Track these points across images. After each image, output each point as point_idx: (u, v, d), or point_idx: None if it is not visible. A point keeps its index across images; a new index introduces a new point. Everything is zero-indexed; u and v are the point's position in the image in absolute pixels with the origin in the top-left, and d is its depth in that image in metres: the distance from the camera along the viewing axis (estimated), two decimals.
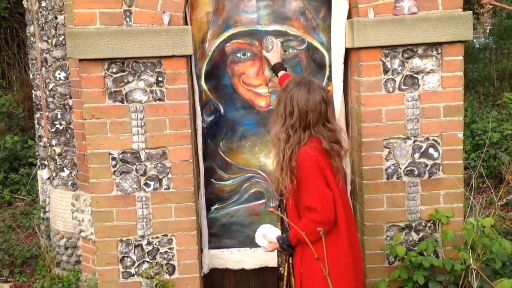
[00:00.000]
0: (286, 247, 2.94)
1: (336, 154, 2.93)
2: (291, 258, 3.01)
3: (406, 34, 3.58)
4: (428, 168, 3.74)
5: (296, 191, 2.84)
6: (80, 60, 3.56)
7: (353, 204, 3.97)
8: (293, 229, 2.88)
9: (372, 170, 3.74)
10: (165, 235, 3.73)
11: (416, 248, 3.72)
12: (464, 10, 3.65)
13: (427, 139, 3.72)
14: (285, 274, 3.05)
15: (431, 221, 3.78)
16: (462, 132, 3.74)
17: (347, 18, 3.77)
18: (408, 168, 3.74)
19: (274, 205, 3.17)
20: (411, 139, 3.72)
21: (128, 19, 3.55)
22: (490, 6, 17.92)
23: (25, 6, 5.26)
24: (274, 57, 3.82)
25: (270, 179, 3.07)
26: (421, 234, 3.80)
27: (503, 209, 5.86)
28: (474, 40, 16.61)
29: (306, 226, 2.81)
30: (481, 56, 13.03)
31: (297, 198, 2.88)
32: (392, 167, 3.74)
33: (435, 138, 3.72)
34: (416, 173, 3.75)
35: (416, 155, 3.74)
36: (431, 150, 3.73)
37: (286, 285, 3.06)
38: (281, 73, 3.73)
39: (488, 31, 20.63)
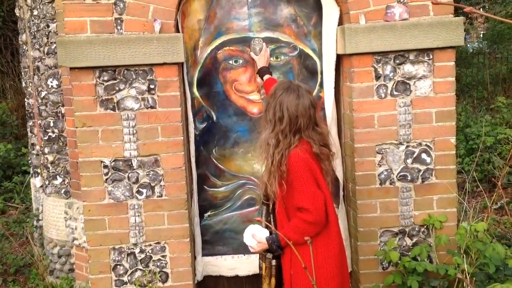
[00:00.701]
0: (276, 248, 2.94)
1: (326, 158, 2.96)
2: (275, 260, 3.00)
3: (398, 40, 3.59)
4: (421, 173, 3.75)
5: (286, 193, 2.85)
6: (71, 68, 3.55)
7: (346, 210, 3.97)
8: (284, 229, 2.88)
9: (365, 176, 3.74)
10: (158, 243, 3.72)
11: (409, 253, 3.71)
12: (455, 15, 3.66)
13: (420, 144, 3.73)
14: (263, 274, 3.05)
15: (425, 226, 3.78)
16: (455, 137, 3.75)
17: (339, 25, 3.78)
18: (401, 174, 3.75)
19: (259, 207, 3.16)
20: (403, 144, 3.72)
21: (119, 27, 3.55)
22: (483, 11, 18.00)
23: (17, 14, 5.25)
24: (261, 61, 3.83)
25: (258, 183, 3.06)
26: (414, 239, 3.79)
27: (497, 213, 5.87)
28: (468, 45, 16.67)
29: (298, 226, 2.81)
30: (475, 60, 13.06)
31: (287, 200, 2.89)
32: (385, 173, 3.74)
33: (428, 144, 3.72)
34: (409, 178, 3.75)
35: (409, 161, 3.74)
36: (423, 156, 3.73)
37: (268, 286, 3.06)
38: (266, 76, 3.75)
39: (481, 35, 20.72)
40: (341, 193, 3.94)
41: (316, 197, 2.80)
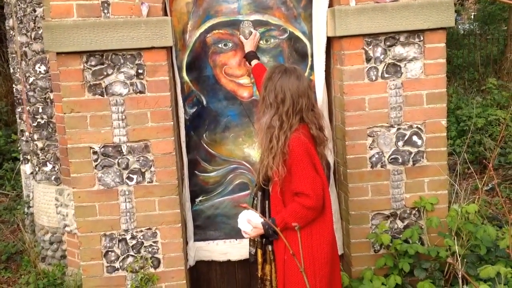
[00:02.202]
0: (272, 233, 2.93)
1: (321, 142, 2.97)
2: (270, 245, 3.00)
3: (388, 21, 3.56)
4: (412, 155, 3.74)
5: (284, 177, 2.83)
6: (58, 53, 3.50)
7: (337, 193, 3.97)
8: (281, 213, 2.87)
9: (356, 159, 3.73)
10: (149, 229, 3.70)
11: (401, 235, 3.73)
12: None
13: (411, 126, 3.71)
14: (260, 261, 3.05)
15: (416, 209, 3.78)
16: (446, 119, 3.74)
17: (329, 7, 3.74)
18: (392, 156, 3.74)
19: (254, 192, 3.15)
20: (394, 127, 3.71)
21: (106, 11, 3.49)
22: None
23: None
24: (249, 45, 3.80)
25: (257, 168, 3.05)
26: (406, 222, 3.80)
27: (489, 194, 5.90)
28: (459, 26, 16.64)
29: (296, 211, 2.81)
30: (466, 42, 13.06)
31: (283, 184, 2.87)
32: (376, 156, 3.73)
33: (419, 126, 3.71)
34: (400, 161, 3.74)
35: (400, 143, 3.73)
36: (414, 138, 3.73)
37: (261, 272, 3.06)
38: (254, 62, 3.73)
39: (472, 17, 20.69)
40: (332, 176, 3.93)
41: (315, 182, 2.80)
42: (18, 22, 4.71)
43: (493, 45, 12.43)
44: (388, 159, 3.74)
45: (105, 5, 3.48)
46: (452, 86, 10.10)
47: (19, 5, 4.66)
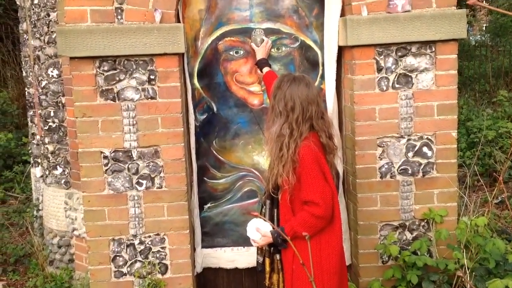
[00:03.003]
0: (281, 242, 2.93)
1: (331, 151, 2.97)
2: (278, 254, 2.99)
3: (400, 32, 3.56)
4: (421, 167, 3.73)
5: (293, 186, 2.83)
6: (71, 58, 3.53)
7: (346, 203, 3.96)
8: (290, 222, 2.87)
9: (366, 169, 3.73)
10: (158, 234, 3.71)
11: (409, 247, 3.71)
12: (458, 8, 3.63)
13: (421, 137, 3.70)
14: (268, 270, 3.04)
15: (425, 220, 3.77)
16: (456, 131, 3.73)
17: (340, 16, 3.75)
18: (402, 167, 3.73)
19: (262, 200, 3.15)
20: (404, 137, 3.70)
21: (119, 17, 3.52)
22: (486, 3, 17.91)
23: (18, 3, 5.22)
24: (260, 52, 3.82)
25: (266, 176, 3.05)
26: (414, 233, 3.78)
27: (498, 208, 5.86)
28: (470, 37, 16.60)
29: (305, 220, 2.80)
30: (477, 53, 13.00)
31: (293, 192, 2.87)
32: (386, 166, 3.73)
33: (429, 137, 3.70)
34: (409, 172, 3.73)
35: (410, 154, 3.72)
36: (425, 149, 3.72)
37: (269, 281, 3.05)
38: (265, 69, 3.75)
39: (484, 28, 20.62)
40: (341, 186, 3.93)
41: (325, 191, 2.80)
42: (32, 26, 4.75)
43: (505, 57, 12.37)
44: (397, 170, 3.73)
45: (119, 11, 3.51)
46: (462, 97, 10.06)
47: (33, 9, 4.70)
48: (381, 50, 3.63)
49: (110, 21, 3.52)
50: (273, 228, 2.90)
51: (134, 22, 3.53)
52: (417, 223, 3.77)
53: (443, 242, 3.66)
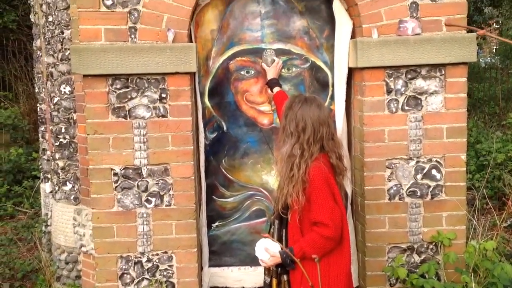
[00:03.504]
0: (289, 262, 2.92)
1: (340, 172, 2.98)
2: (285, 275, 2.98)
3: (410, 55, 3.59)
4: (430, 189, 3.73)
5: (303, 206, 2.84)
6: (84, 75, 3.58)
7: (354, 224, 3.95)
8: (299, 242, 2.86)
9: (375, 190, 3.73)
10: (165, 252, 3.71)
11: (417, 270, 3.69)
12: (468, 32, 3.65)
13: (430, 160, 3.71)
14: None
15: (433, 243, 3.75)
16: (465, 154, 3.73)
17: (351, 38, 3.78)
18: (411, 189, 3.73)
19: (271, 220, 3.16)
20: (413, 160, 3.71)
21: (133, 36, 3.57)
22: (496, 26, 17.98)
23: (32, 20, 5.30)
24: (271, 72, 3.85)
25: (276, 196, 3.06)
26: (423, 256, 3.76)
27: (507, 231, 5.81)
28: (480, 59, 16.62)
29: (315, 241, 2.80)
30: (487, 75, 13.01)
31: (302, 213, 2.87)
32: (395, 188, 3.73)
33: (438, 160, 3.71)
34: (418, 194, 3.73)
35: (419, 176, 3.72)
36: (433, 172, 3.72)
37: None
38: (276, 89, 3.77)
39: (494, 50, 20.64)
40: (349, 207, 3.93)
41: (334, 212, 2.80)
42: (46, 43, 4.82)
43: None
44: (406, 192, 3.73)
45: (133, 30, 3.56)
46: (472, 119, 10.04)
47: (47, 26, 4.77)
48: (391, 72, 3.65)
49: (124, 40, 3.57)
50: (282, 248, 2.90)
51: (147, 41, 3.58)
52: (425, 245, 3.76)
53: (451, 265, 3.64)
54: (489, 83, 12.56)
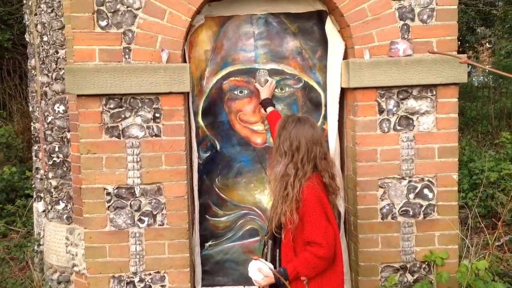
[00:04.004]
0: (283, 283, 2.91)
1: (333, 191, 2.99)
2: None
3: (401, 75, 3.63)
4: (423, 208, 3.74)
5: (296, 226, 2.85)
6: (78, 95, 3.60)
7: (347, 244, 3.96)
8: (292, 262, 2.87)
9: (367, 210, 3.74)
10: (158, 272, 3.70)
11: None
12: (459, 52, 3.70)
13: (422, 179, 3.73)
14: None
15: (426, 263, 3.76)
16: (457, 174, 3.75)
17: (343, 59, 3.82)
18: (403, 208, 3.74)
19: (264, 240, 3.16)
20: (406, 179, 3.73)
21: (127, 56, 3.60)
22: (489, 45, 18.16)
23: (27, 39, 5.33)
24: (264, 92, 3.88)
25: (269, 215, 3.06)
26: (415, 276, 3.77)
27: (500, 250, 5.82)
28: (473, 78, 16.75)
29: (308, 260, 2.80)
30: (480, 94, 13.10)
31: (295, 233, 2.88)
32: (387, 207, 3.74)
33: (430, 179, 3.73)
34: (411, 213, 3.74)
35: (411, 196, 3.74)
36: (426, 191, 3.74)
37: None
38: (269, 109, 3.80)
39: (487, 70, 20.80)
40: (342, 226, 3.93)
41: (328, 231, 2.81)
42: (40, 62, 4.84)
43: (507, 99, 12.46)
44: (398, 211, 3.74)
45: (127, 50, 3.59)
46: (465, 138, 10.09)
47: (42, 46, 4.80)
48: (383, 92, 3.69)
49: (118, 60, 3.59)
50: (273, 271, 2.89)
51: (142, 61, 3.61)
52: (418, 265, 3.76)
53: (444, 285, 3.64)
54: (482, 102, 12.64)
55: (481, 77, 18.47)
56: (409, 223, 3.74)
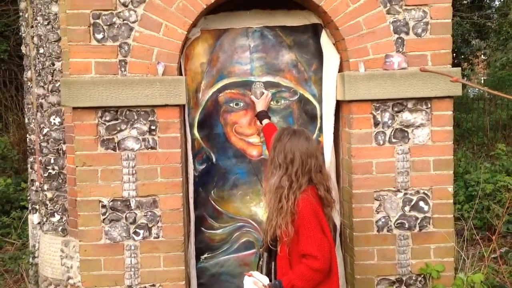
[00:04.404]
0: None
1: (329, 204, 3.00)
2: None
3: (396, 88, 3.64)
4: (418, 221, 3.75)
5: (291, 238, 2.84)
6: (74, 108, 3.60)
7: (343, 256, 3.95)
8: (288, 275, 2.86)
9: (363, 222, 3.74)
10: (153, 285, 3.69)
11: None
12: (454, 64, 3.72)
13: (418, 192, 3.74)
14: None
15: (422, 275, 3.76)
16: (452, 186, 3.76)
17: (338, 72, 3.84)
18: (399, 221, 3.74)
19: (260, 253, 3.15)
20: (401, 192, 3.73)
21: (123, 69, 3.61)
22: (484, 57, 18.26)
23: (23, 51, 5.34)
24: (260, 104, 3.89)
25: (265, 228, 3.06)
26: None
27: (496, 262, 5.81)
28: (469, 90, 16.82)
29: (304, 273, 2.79)
30: (475, 106, 13.16)
31: (291, 245, 2.88)
32: (383, 220, 3.74)
33: (425, 192, 3.73)
34: (406, 226, 3.74)
35: (407, 208, 3.74)
36: (421, 203, 3.74)
37: None
38: (265, 121, 3.81)
39: (482, 81, 20.92)
40: (338, 239, 3.93)
41: (323, 244, 2.81)
42: (37, 74, 4.85)
43: (503, 111, 12.51)
44: (394, 224, 3.74)
45: (123, 63, 3.60)
46: (460, 149, 10.11)
47: (38, 58, 4.80)
48: (378, 105, 3.70)
49: (114, 73, 3.60)
50: (269, 284, 2.89)
51: (137, 74, 3.61)
52: (414, 278, 3.76)
53: None
54: (477, 114, 12.68)
55: (476, 89, 18.55)
56: (404, 236, 3.74)
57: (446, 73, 3.61)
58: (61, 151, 4.66)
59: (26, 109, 5.43)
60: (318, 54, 3.96)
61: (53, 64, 4.66)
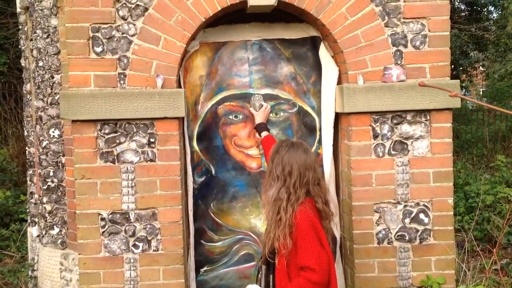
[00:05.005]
0: None
1: (327, 216, 2.99)
2: None
3: (395, 100, 3.65)
4: (419, 233, 3.74)
5: (289, 251, 2.83)
6: (73, 120, 3.60)
7: (344, 269, 3.93)
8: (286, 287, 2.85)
9: (363, 234, 3.73)
10: None
11: None
12: (453, 76, 3.73)
13: (418, 204, 3.73)
14: None
15: None
16: (452, 198, 3.75)
17: (337, 84, 3.85)
18: (399, 233, 3.73)
19: (259, 265, 3.14)
20: (401, 204, 3.72)
21: (122, 82, 3.61)
22: (482, 69, 18.33)
23: (23, 64, 5.35)
24: (259, 117, 3.90)
25: (263, 240, 3.05)
26: None
27: (497, 274, 5.79)
28: (468, 101, 16.86)
29: (302, 286, 2.78)
30: (474, 117, 13.18)
31: (289, 258, 2.87)
32: (383, 232, 3.73)
33: (426, 204, 3.73)
34: (407, 238, 3.73)
35: (407, 220, 3.73)
36: (421, 216, 3.73)
37: None
38: (264, 133, 3.82)
39: (481, 92, 20.98)
40: (338, 251, 3.91)
41: (321, 256, 2.79)
42: (36, 87, 4.85)
43: (502, 122, 12.53)
44: (394, 236, 3.73)
45: (122, 76, 3.61)
46: (460, 161, 10.11)
47: (37, 71, 4.81)
48: (377, 117, 3.71)
49: (113, 85, 3.61)
50: None
51: (137, 87, 3.62)
52: None
53: None
54: (477, 125, 12.70)
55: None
56: (405, 248, 3.72)
57: (445, 87, 3.63)
58: (60, 164, 4.66)
59: (25, 122, 5.44)
60: (317, 67, 3.97)
61: (53, 77, 4.67)
